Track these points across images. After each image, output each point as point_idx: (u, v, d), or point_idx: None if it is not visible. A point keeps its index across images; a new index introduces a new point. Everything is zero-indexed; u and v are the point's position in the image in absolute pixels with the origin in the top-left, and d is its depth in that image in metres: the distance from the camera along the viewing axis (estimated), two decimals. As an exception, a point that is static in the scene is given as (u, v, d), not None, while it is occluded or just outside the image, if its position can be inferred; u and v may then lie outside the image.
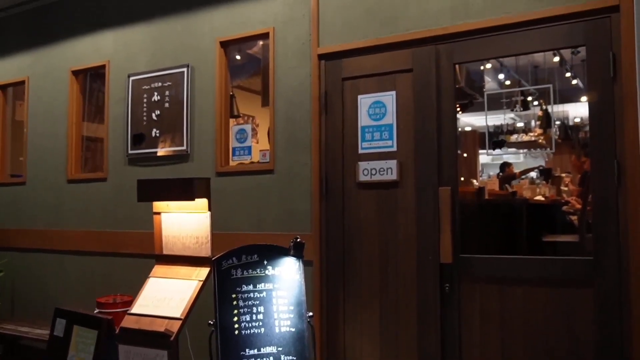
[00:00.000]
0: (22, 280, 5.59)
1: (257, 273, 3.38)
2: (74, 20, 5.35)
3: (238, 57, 5.72)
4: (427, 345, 3.61)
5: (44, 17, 5.60)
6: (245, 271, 3.36)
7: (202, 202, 3.58)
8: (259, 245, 3.46)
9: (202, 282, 3.52)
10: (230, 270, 3.36)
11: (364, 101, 3.85)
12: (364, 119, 3.85)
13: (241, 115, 6.45)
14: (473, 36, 3.54)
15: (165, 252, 3.77)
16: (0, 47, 5.92)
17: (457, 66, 3.72)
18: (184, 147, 4.53)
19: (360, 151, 3.86)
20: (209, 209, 3.57)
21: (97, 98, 5.57)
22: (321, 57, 4.02)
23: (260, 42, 5.73)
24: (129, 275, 4.71)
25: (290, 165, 4.07)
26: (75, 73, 5.33)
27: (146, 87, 4.78)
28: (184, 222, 3.69)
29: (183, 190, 3.50)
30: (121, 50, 5.01)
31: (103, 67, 5.11)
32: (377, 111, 3.80)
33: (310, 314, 3.37)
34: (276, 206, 4.11)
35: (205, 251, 3.59)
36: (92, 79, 5.55)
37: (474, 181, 8.24)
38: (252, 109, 7.27)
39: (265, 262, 3.40)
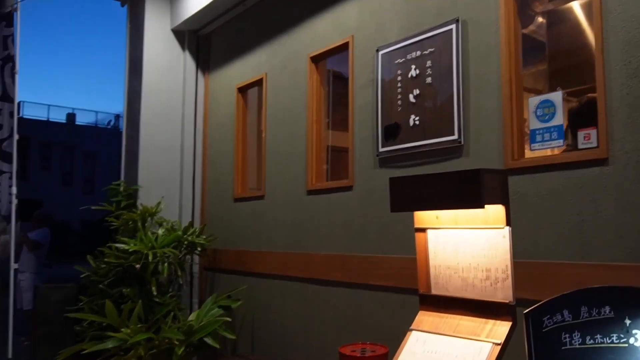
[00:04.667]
0: (262, 312, 4.74)
1: (613, 342, 1.79)
2: (313, -3, 4.41)
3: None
4: None
5: (279, 2, 4.78)
6: (589, 337, 1.80)
7: (495, 212, 2.15)
8: (610, 288, 1.88)
9: (499, 347, 2.06)
10: (560, 334, 1.83)
11: None
12: None
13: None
14: None
15: (434, 291, 2.40)
16: (240, 47, 5.29)
17: None
18: (455, 137, 3.14)
19: None
20: (508, 223, 2.12)
21: (338, 103, 4.53)
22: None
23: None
24: (383, 316, 3.47)
25: (640, 150, 2.40)
26: (315, 59, 4.34)
27: (400, 61, 3.53)
28: (465, 243, 2.29)
29: (463, 191, 2.10)
30: (367, 20, 3.86)
31: (345, 45, 4.01)
32: None
33: None
34: (617, 218, 2.45)
35: (504, 293, 2.13)
36: (335, 80, 4.53)
37: None
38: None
39: (628, 322, 1.80)
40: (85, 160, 30.13)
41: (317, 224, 4.19)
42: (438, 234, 2.39)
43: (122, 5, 6.10)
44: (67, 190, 28.32)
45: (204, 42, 5.81)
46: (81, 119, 32.22)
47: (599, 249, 2.49)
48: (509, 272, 2.12)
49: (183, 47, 5.75)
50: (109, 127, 32.34)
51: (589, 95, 3.04)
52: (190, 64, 5.75)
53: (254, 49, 5.06)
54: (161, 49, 5.65)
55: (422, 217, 2.44)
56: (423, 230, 2.44)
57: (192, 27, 5.69)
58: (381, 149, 3.63)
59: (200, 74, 5.77)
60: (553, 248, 2.64)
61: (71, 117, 31.75)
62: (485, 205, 2.06)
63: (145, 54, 5.55)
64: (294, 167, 4.44)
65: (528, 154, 2.91)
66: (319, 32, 4.30)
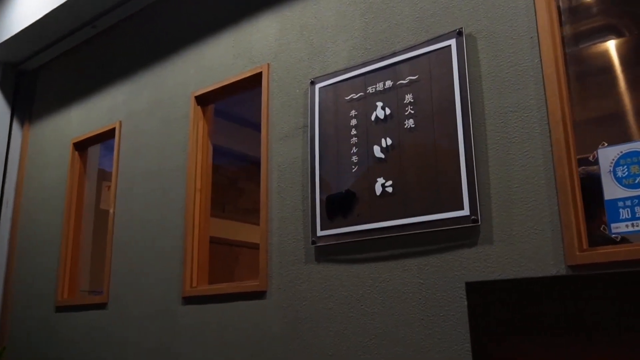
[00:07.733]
0: None
1: None
2: (205, 11, 3.09)
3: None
4: None
5: (150, 20, 3.40)
6: None
7: None
8: None
9: None
10: None
11: None
12: None
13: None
14: None
15: None
16: (82, 85, 3.73)
17: None
18: (465, 211, 1.90)
19: None
20: None
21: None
22: None
23: None
24: None
25: None
26: (202, 100, 2.96)
27: (354, 97, 2.29)
28: None
29: None
30: (295, 41, 2.61)
31: (256, 78, 2.71)
32: None
33: None
34: None
35: None
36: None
37: None
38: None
39: None
40: None
41: (200, 354, 2.63)
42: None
43: None
44: None
45: (28, 80, 4.15)
46: None
47: None
48: None
49: (-7, 85, 4.04)
50: None
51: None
52: (3, 108, 4.02)
53: (104, 88, 3.55)
54: (-43, 84, 3.90)
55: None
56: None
57: (11, 59, 4.03)
58: (320, 233, 2.27)
59: (16, 123, 4.04)
60: None
61: None
62: None
63: None
64: (161, 259, 2.89)
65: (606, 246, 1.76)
66: (212, 60, 2.95)
